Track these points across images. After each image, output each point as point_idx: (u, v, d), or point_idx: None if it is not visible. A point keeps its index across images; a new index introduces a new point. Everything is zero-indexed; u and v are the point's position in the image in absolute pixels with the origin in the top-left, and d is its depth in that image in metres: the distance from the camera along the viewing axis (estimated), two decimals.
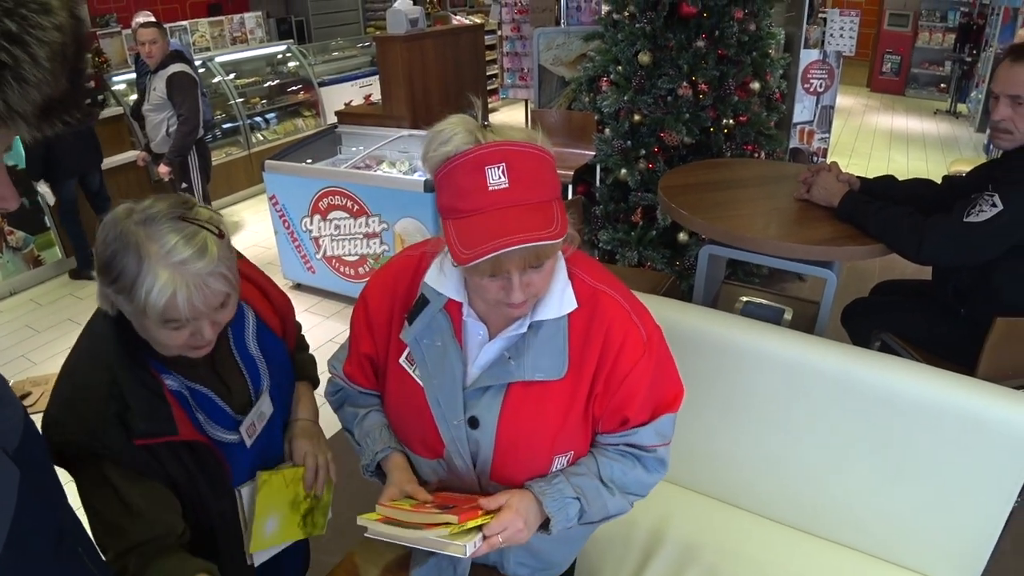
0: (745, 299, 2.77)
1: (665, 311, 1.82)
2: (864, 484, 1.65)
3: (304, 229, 4.19)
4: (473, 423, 1.11)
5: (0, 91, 0.56)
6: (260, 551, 1.26)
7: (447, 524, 0.99)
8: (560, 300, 1.08)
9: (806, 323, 2.58)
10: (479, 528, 1.03)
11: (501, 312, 1.07)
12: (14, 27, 0.55)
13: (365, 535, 1.10)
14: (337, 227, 4.07)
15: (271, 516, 1.25)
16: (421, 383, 1.13)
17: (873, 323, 2.41)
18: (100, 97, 5.18)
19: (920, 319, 2.28)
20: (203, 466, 1.14)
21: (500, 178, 0.90)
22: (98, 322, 1.10)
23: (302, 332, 1.50)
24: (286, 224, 4.25)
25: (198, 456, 1.13)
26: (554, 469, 1.13)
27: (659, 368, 1.13)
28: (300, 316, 1.35)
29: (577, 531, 1.21)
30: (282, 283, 4.54)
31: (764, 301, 2.76)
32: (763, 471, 1.78)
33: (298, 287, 4.49)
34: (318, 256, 4.22)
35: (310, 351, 1.53)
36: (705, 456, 1.85)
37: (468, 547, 0.98)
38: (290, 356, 1.36)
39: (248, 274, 1.28)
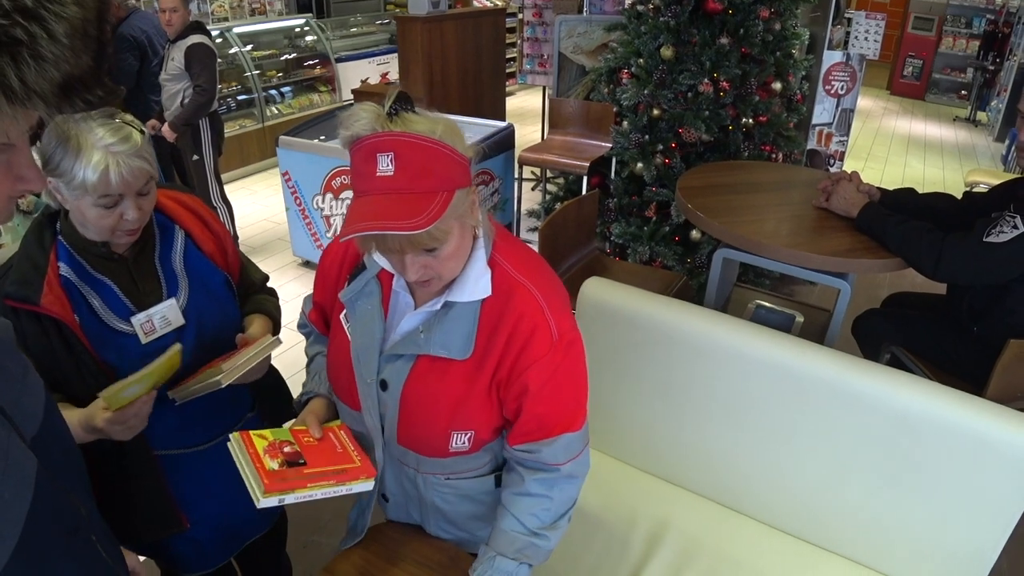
0: (757, 303, 2.77)
1: (677, 314, 1.82)
2: (866, 496, 1.66)
3: (316, 207, 4.18)
4: (383, 385, 1.20)
5: (16, 69, 0.53)
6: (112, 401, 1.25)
7: (264, 472, 1.11)
8: (475, 286, 1.13)
9: (816, 330, 2.58)
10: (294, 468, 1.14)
11: (419, 285, 1.15)
12: (30, 2, 0.53)
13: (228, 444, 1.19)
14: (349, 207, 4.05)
15: (141, 384, 1.22)
16: (350, 340, 1.23)
17: (884, 335, 2.41)
18: None
19: (932, 334, 2.28)
20: (71, 348, 1.27)
21: (388, 165, 0.96)
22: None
23: (267, 282, 1.67)
24: (298, 201, 4.25)
25: (65, 338, 1.27)
26: (453, 445, 1.20)
27: (566, 370, 1.16)
28: (308, 294, 1.42)
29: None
30: (291, 259, 4.56)
31: (775, 307, 2.76)
32: (766, 477, 1.78)
33: (307, 264, 4.50)
34: (329, 234, 4.22)
35: (277, 300, 1.67)
36: (708, 459, 1.85)
37: (263, 501, 1.07)
38: (230, 288, 1.50)
39: (191, 206, 1.48)
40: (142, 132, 1.27)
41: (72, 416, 1.23)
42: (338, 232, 4.10)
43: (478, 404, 1.17)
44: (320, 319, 1.39)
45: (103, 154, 1.20)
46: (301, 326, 1.47)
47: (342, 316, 1.25)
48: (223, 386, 1.29)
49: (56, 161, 1.20)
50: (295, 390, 1.74)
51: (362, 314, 1.21)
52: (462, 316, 1.14)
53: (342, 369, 1.25)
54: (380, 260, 1.18)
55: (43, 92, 0.55)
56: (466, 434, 1.19)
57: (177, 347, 1.25)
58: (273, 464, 1.13)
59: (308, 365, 1.43)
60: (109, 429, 1.21)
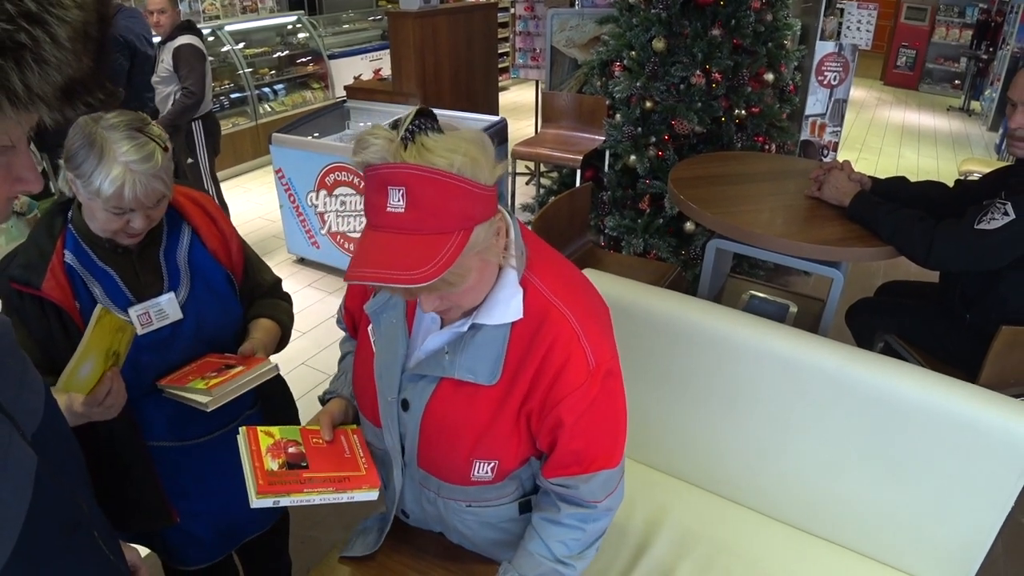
0: (750, 293, 2.77)
1: (670, 305, 1.82)
2: (861, 485, 1.66)
3: (310, 204, 4.17)
4: (405, 405, 1.15)
5: (20, 73, 0.53)
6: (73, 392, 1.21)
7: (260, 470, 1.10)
8: (505, 308, 1.06)
9: (810, 320, 2.58)
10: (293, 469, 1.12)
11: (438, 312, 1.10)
12: (33, 7, 0.53)
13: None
14: (343, 203, 4.05)
15: (91, 358, 1.18)
16: (375, 354, 1.19)
17: (877, 324, 2.41)
18: None
19: (925, 322, 2.28)
20: (68, 334, 1.30)
21: (399, 201, 0.89)
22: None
23: (280, 286, 1.67)
24: (292, 198, 4.24)
25: (64, 324, 1.31)
26: (475, 474, 1.14)
27: (603, 403, 1.09)
28: (303, 291, 1.42)
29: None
30: (286, 257, 4.55)
31: (769, 297, 2.76)
32: (761, 467, 1.79)
33: (301, 261, 4.49)
34: (323, 231, 4.21)
35: (290, 306, 1.67)
36: (704, 449, 1.86)
37: (256, 501, 1.06)
38: (231, 285, 1.51)
39: (201, 203, 1.49)
40: (165, 149, 1.28)
41: (58, 401, 1.23)
42: (331, 229, 4.04)
43: (504, 433, 1.11)
44: (351, 325, 1.35)
45: (122, 169, 1.21)
46: (339, 321, 1.43)
47: (369, 328, 1.20)
48: (209, 411, 1.28)
49: (78, 162, 1.22)
50: (294, 387, 1.74)
51: (386, 328, 1.15)
52: (490, 339, 1.07)
53: (367, 384, 1.20)
54: None
55: (46, 95, 0.56)
56: (489, 463, 1.13)
57: (100, 309, 1.17)
58: (273, 464, 1.11)
59: (340, 362, 1.41)
60: (88, 412, 1.21)
